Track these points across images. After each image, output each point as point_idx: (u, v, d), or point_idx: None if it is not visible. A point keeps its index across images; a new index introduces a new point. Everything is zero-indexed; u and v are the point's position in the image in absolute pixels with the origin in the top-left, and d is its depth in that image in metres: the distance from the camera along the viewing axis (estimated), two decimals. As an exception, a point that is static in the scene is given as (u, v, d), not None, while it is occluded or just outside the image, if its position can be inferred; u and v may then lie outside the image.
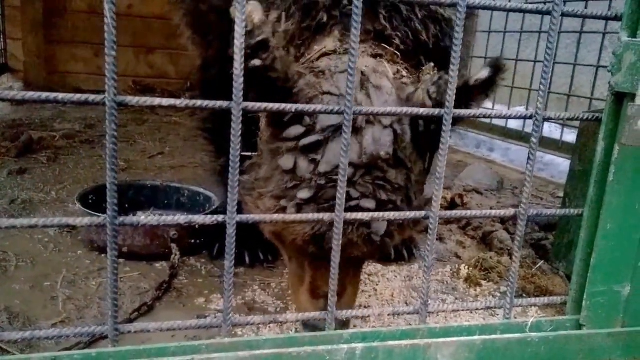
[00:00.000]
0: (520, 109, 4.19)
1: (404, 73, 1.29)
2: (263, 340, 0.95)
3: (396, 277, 1.99)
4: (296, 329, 1.53)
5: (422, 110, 0.98)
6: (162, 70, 5.88)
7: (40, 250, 1.98)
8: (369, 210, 1.14)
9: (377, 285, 1.89)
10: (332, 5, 1.38)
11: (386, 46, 1.34)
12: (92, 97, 0.83)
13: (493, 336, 1.07)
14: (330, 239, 1.17)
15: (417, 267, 2.09)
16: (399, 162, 1.18)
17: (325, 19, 1.36)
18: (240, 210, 0.93)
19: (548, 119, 1.05)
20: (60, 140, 3.79)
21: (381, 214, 1.01)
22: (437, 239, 2.42)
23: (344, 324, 1.26)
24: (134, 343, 1.25)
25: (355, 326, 1.55)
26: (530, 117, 1.02)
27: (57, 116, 4.52)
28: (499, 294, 1.89)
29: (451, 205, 2.81)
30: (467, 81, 1.08)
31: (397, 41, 1.35)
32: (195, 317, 1.60)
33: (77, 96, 0.83)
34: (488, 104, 4.53)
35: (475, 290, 1.92)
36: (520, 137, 4.08)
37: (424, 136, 1.19)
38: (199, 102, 0.87)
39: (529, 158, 1.03)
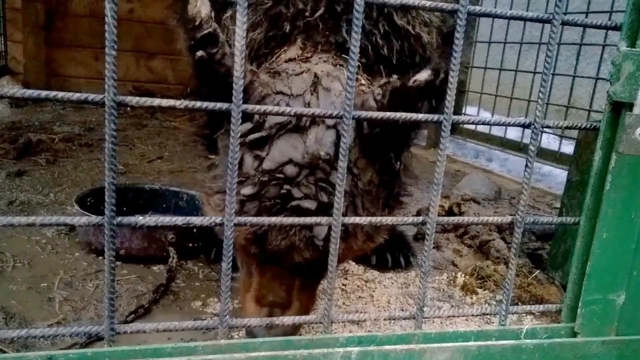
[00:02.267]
0: (520, 118, 4.20)
1: (362, 81, 1.31)
2: (259, 343, 0.95)
3: (393, 284, 1.99)
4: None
5: (420, 116, 0.98)
6: (162, 75, 5.90)
7: (38, 251, 1.98)
8: (308, 211, 1.15)
9: (373, 291, 1.90)
10: (296, 16, 1.41)
11: (345, 57, 1.36)
12: (91, 97, 0.84)
13: (488, 342, 1.07)
14: (271, 240, 1.22)
15: (414, 275, 2.09)
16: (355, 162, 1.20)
17: (288, 29, 1.39)
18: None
19: (546, 128, 1.05)
20: (60, 143, 3.80)
21: (379, 218, 1.01)
22: (434, 247, 2.44)
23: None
24: (129, 344, 1.24)
25: (350, 331, 1.55)
26: (529, 126, 1.03)
27: (56, 119, 4.53)
28: (494, 302, 1.90)
29: (448, 213, 2.81)
30: (405, 83, 1.07)
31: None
32: (192, 320, 1.60)
33: (77, 95, 0.83)
34: (487, 114, 4.56)
35: (472, 298, 1.92)
36: (518, 147, 4.10)
37: (370, 140, 1.19)
38: (198, 104, 0.88)
39: (526, 166, 1.04)
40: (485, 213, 3.06)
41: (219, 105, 0.88)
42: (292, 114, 0.94)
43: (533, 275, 2.11)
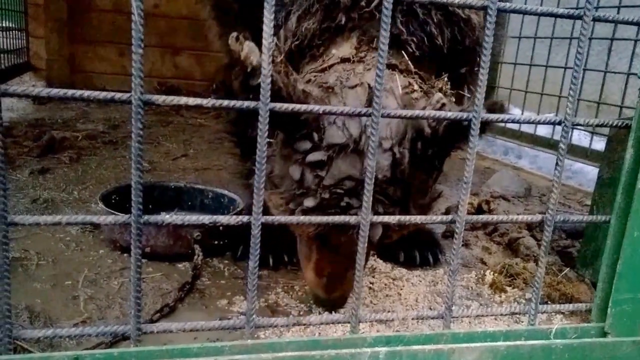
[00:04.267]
0: (550, 116, 4.17)
1: (415, 86, 1.31)
2: (286, 343, 0.98)
3: (420, 282, 2.00)
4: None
5: (449, 114, 1.00)
6: (187, 72, 5.94)
7: (62, 249, 2.03)
8: None
9: (401, 289, 1.91)
10: (351, 7, 1.41)
11: (404, 53, 1.36)
12: (118, 95, 0.86)
13: (517, 342, 1.08)
14: (333, 237, 1.36)
15: (442, 272, 2.10)
16: (397, 181, 1.25)
17: (343, 21, 1.39)
18: (266, 212, 0.97)
19: (577, 125, 1.06)
20: (83, 140, 3.87)
21: (408, 217, 1.03)
22: (462, 245, 2.44)
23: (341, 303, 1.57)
24: (155, 344, 1.28)
25: (378, 330, 1.57)
26: (560, 123, 1.03)
27: (80, 116, 4.61)
28: (523, 301, 1.90)
29: (478, 211, 2.81)
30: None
31: (412, 47, 1.37)
32: (217, 318, 1.63)
33: (103, 94, 0.86)
34: (517, 110, 4.52)
35: (500, 297, 1.92)
36: (548, 144, 4.07)
37: (423, 158, 1.24)
38: (225, 102, 0.90)
39: (557, 164, 1.05)
40: (514, 211, 3.04)
41: (246, 104, 0.90)
42: (321, 112, 0.95)
43: (563, 273, 2.10)
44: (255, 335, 0.98)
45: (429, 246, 2.19)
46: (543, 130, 4.25)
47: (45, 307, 1.60)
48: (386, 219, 1.01)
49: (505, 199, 3.31)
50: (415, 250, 2.14)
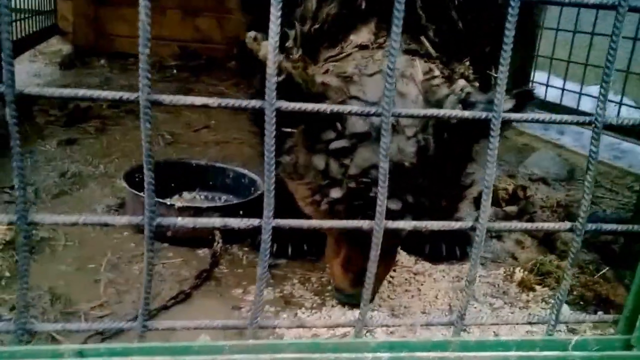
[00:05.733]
0: (595, 89, 4.00)
1: (436, 72, 1.29)
2: (286, 344, 0.98)
3: (444, 277, 1.98)
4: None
5: (467, 114, 0.97)
6: (207, 35, 5.80)
7: (88, 230, 2.08)
8: (393, 210, 1.24)
9: (421, 285, 1.90)
10: None
11: (423, 38, 1.34)
12: (126, 95, 0.87)
13: (530, 352, 1.06)
14: (364, 233, 1.32)
15: (468, 267, 2.07)
16: (424, 169, 1.25)
17: (363, 5, 1.37)
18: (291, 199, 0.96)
19: (609, 126, 1.02)
20: (107, 109, 3.90)
21: (424, 223, 1.01)
22: (494, 237, 2.40)
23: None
24: (162, 335, 1.32)
25: (391, 332, 1.56)
26: (590, 123, 1.00)
27: (103, 83, 4.64)
28: (552, 301, 1.86)
29: (512, 197, 2.75)
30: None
31: (431, 32, 1.35)
32: (230, 307, 1.66)
33: (112, 94, 0.87)
34: (558, 80, 4.34)
35: (528, 296, 1.89)
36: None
37: (450, 145, 1.21)
38: (231, 102, 0.89)
39: (587, 168, 1.01)
40: (554, 196, 2.95)
41: (252, 103, 0.90)
42: (329, 111, 0.94)
43: (601, 272, 2.05)
44: (257, 336, 0.98)
45: (458, 239, 2.16)
46: (588, 105, 4.00)
47: (66, 290, 1.65)
48: (401, 224, 1.00)
49: (546, 182, 3.21)
50: (442, 242, 2.12)
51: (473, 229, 0.99)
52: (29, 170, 2.64)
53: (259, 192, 2.21)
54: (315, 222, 0.96)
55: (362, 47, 1.36)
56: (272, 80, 0.87)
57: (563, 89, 4.09)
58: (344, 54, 1.37)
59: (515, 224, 1.04)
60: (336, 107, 0.94)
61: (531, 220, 2.54)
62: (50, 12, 5.52)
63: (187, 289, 1.70)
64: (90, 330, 1.34)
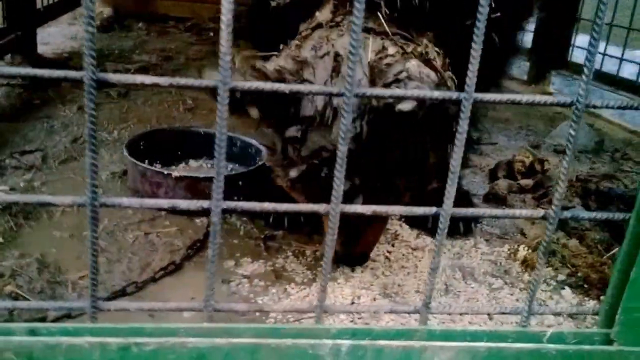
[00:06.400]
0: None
1: (391, 49, 1.24)
2: (243, 328, 0.96)
3: (444, 252, 1.94)
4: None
5: (436, 94, 0.91)
6: None
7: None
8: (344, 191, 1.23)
9: (419, 261, 1.86)
10: None
11: (380, 14, 1.29)
12: (71, 74, 0.84)
13: (501, 344, 1.02)
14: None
15: (472, 244, 2.02)
16: (366, 152, 1.26)
17: None
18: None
19: (593, 107, 0.95)
20: (135, 74, 3.91)
21: (385, 208, 0.97)
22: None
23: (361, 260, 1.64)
24: (113, 322, 1.34)
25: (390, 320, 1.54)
26: (571, 105, 0.93)
27: (137, 46, 4.62)
28: (554, 283, 1.80)
29: (529, 170, 2.67)
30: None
31: (383, 7, 1.30)
32: (220, 280, 1.65)
33: (57, 72, 0.83)
34: (601, 44, 4.18)
35: (530, 276, 1.84)
36: (634, 87, 3.72)
37: (391, 130, 1.22)
38: (182, 81, 0.85)
39: (565, 153, 0.95)
40: (578, 169, 2.84)
41: (205, 82, 0.86)
42: (288, 91, 0.90)
43: (610, 252, 1.98)
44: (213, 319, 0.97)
45: (462, 213, 2.10)
46: (628, 70, 3.84)
47: (57, 258, 1.67)
48: (359, 209, 0.96)
49: (572, 154, 3.11)
50: (445, 217, 2.06)
51: (437, 215, 0.95)
52: (43, 134, 2.67)
53: (260, 163, 2.18)
54: (268, 206, 0.93)
55: (318, 26, 1.35)
56: (225, 58, 0.83)
57: (604, 54, 3.94)
58: (303, 34, 1.35)
59: (485, 211, 0.99)
60: (295, 87, 0.90)
61: (545, 195, 2.46)
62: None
63: (178, 260, 1.70)
64: (40, 310, 1.35)
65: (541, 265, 1.01)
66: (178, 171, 2.18)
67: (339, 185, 0.92)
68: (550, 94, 4.34)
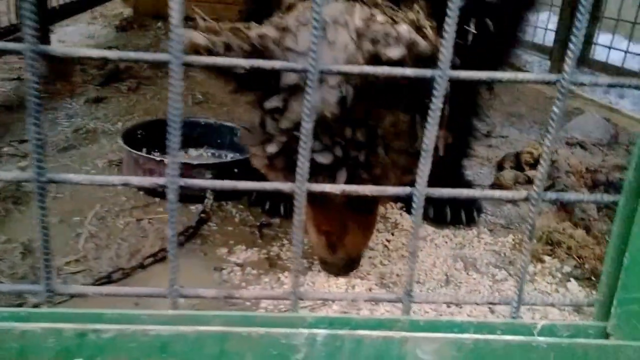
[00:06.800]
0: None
1: (379, 17, 1.16)
2: (212, 316, 0.91)
3: (446, 242, 1.87)
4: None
5: (408, 71, 0.85)
6: None
7: (83, 182, 2.05)
8: (326, 165, 1.22)
9: (420, 250, 1.79)
10: None
11: None
12: (10, 46, 0.78)
13: (489, 336, 0.95)
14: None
15: (475, 234, 1.95)
16: (351, 120, 1.19)
17: None
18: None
19: (579, 84, 0.88)
20: (148, 69, 3.91)
21: (355, 187, 0.91)
22: (510, 201, 2.26)
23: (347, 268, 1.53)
24: (73, 307, 1.30)
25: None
26: (556, 83, 0.86)
27: (154, 44, 4.63)
28: (560, 275, 1.72)
29: (537, 162, 2.58)
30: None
31: None
32: (212, 268, 1.60)
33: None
34: (624, 42, 4.06)
35: (535, 267, 1.76)
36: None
37: (386, 94, 1.15)
38: (132, 54, 0.80)
39: (547, 130, 0.88)
40: (589, 161, 2.75)
41: (158, 56, 0.80)
42: (249, 67, 0.84)
43: (620, 244, 1.89)
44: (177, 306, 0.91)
45: (465, 202, 2.03)
46: None
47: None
48: (327, 187, 0.90)
49: (583, 147, 3.03)
50: (447, 205, 1.99)
51: (410, 195, 0.88)
52: (45, 125, 2.64)
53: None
54: (228, 183, 0.87)
55: None
56: (177, 31, 0.77)
57: (626, 52, 3.86)
58: (288, 4, 1.28)
59: (462, 191, 0.91)
60: (256, 62, 0.83)
61: (553, 185, 2.37)
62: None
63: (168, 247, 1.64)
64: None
65: (527, 250, 0.94)
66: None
67: (304, 162, 0.86)
68: (571, 92, 4.25)
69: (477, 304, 1.00)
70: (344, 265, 1.53)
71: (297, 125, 1.20)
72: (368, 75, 1.12)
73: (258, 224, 1.86)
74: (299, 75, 1.18)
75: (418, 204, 0.89)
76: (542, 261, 1.78)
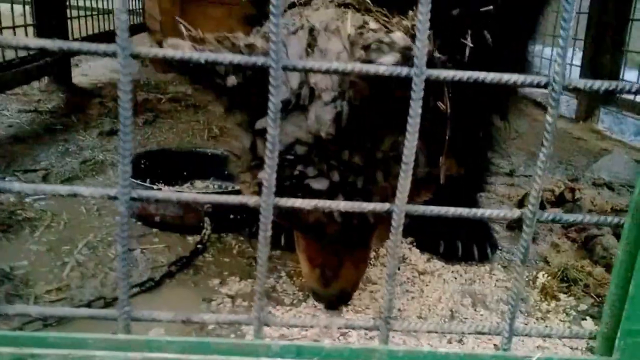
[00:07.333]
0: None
1: (372, 25, 1.09)
2: (166, 342, 0.82)
3: (455, 278, 1.75)
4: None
5: (382, 69, 0.77)
6: None
7: (81, 212, 2.00)
8: (320, 191, 1.13)
9: (426, 285, 1.68)
10: None
11: None
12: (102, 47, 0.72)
13: (478, 372, 0.85)
14: (301, 216, 1.23)
15: (487, 269, 1.83)
16: (348, 141, 1.11)
17: None
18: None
19: (570, 90, 0.79)
20: (167, 103, 3.93)
21: (329, 203, 0.82)
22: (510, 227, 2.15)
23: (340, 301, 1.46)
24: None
25: (403, 342, 1.36)
26: (546, 86, 0.77)
27: (175, 78, 4.66)
28: (574, 313, 1.59)
29: (558, 200, 2.46)
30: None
31: None
32: (201, 299, 1.51)
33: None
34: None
35: (549, 305, 1.63)
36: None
37: (381, 109, 1.07)
38: (76, 45, 0.73)
39: (542, 144, 0.79)
40: (615, 202, 2.62)
41: (102, 47, 0.72)
42: (203, 61, 0.77)
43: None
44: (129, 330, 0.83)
45: (478, 238, 1.92)
46: None
47: (28, 271, 1.56)
48: (297, 203, 0.82)
49: (610, 187, 2.91)
50: (459, 241, 1.88)
51: (389, 211, 0.79)
52: (54, 156, 2.62)
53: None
54: (188, 196, 0.79)
55: (291, 5, 1.22)
56: (122, 17, 0.71)
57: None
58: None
59: (448, 209, 0.82)
60: (212, 56, 0.77)
61: (574, 224, 2.24)
62: (138, 11, 5.76)
63: (157, 277, 1.57)
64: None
65: (520, 273, 0.84)
66: (181, 188, 2.08)
67: (271, 174, 0.79)
68: (598, 132, 4.14)
69: (464, 333, 0.89)
70: (337, 298, 1.44)
71: (289, 148, 1.14)
72: (358, 87, 1.05)
73: (255, 255, 1.77)
74: (291, 91, 1.12)
75: (397, 221, 0.80)
76: (557, 299, 1.65)
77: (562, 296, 1.66)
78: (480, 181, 2.05)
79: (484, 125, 1.88)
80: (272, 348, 0.83)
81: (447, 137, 1.24)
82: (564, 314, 1.58)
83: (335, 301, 1.46)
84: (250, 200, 0.80)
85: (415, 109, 0.75)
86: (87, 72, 4.78)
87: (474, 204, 2.07)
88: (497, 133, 1.96)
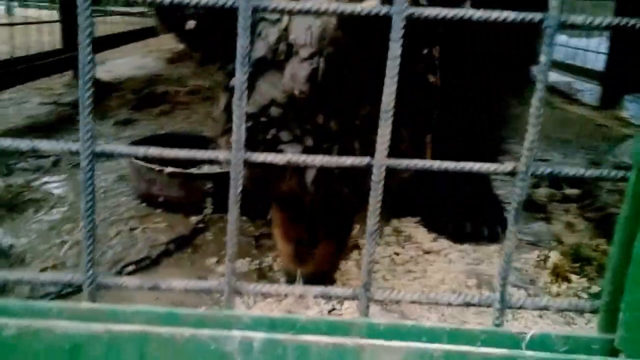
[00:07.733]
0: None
1: None
2: (132, 312, 0.77)
3: (462, 258, 1.69)
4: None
5: (358, 8, 0.71)
6: None
7: (86, 195, 1.98)
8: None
9: (430, 265, 1.62)
10: None
11: None
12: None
13: (465, 347, 0.79)
14: (274, 185, 1.17)
15: (497, 249, 1.76)
16: (324, 103, 1.04)
17: None
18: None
19: (570, 26, 0.72)
20: (185, 95, 3.92)
21: (299, 156, 0.76)
22: (541, 218, 2.06)
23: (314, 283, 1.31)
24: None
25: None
26: (540, 22, 0.71)
27: (197, 74, 4.68)
28: (586, 296, 1.52)
29: (578, 180, 2.38)
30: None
31: None
32: (197, 277, 1.48)
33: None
34: None
35: (559, 287, 1.55)
36: None
37: (361, 68, 1.01)
38: None
39: (535, 88, 0.72)
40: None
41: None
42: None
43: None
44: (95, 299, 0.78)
45: (488, 216, 1.85)
46: None
47: (26, 248, 1.55)
48: (269, 157, 0.76)
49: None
50: (468, 220, 1.81)
51: (369, 165, 0.73)
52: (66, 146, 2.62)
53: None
54: (154, 150, 0.75)
55: None
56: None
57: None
58: None
59: (432, 163, 0.75)
60: None
61: (592, 204, 2.16)
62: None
63: (154, 255, 1.54)
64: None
65: (512, 232, 0.78)
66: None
67: (240, 125, 0.73)
68: (623, 119, 4.02)
69: (451, 304, 0.83)
70: (312, 278, 1.33)
71: (264, 110, 1.08)
72: (339, 42, 0.99)
73: (257, 234, 1.73)
74: (268, 46, 1.05)
75: (377, 175, 0.74)
76: (568, 280, 1.58)
77: (573, 277, 1.59)
78: (492, 161, 1.98)
79: (498, 105, 1.82)
80: (243, 320, 0.79)
81: (434, 112, 1.18)
82: (575, 297, 1.51)
83: (310, 282, 1.34)
84: (220, 155, 0.76)
85: (394, 51, 0.70)
86: (111, 69, 4.80)
87: (488, 183, 2.00)
88: (511, 113, 1.89)
